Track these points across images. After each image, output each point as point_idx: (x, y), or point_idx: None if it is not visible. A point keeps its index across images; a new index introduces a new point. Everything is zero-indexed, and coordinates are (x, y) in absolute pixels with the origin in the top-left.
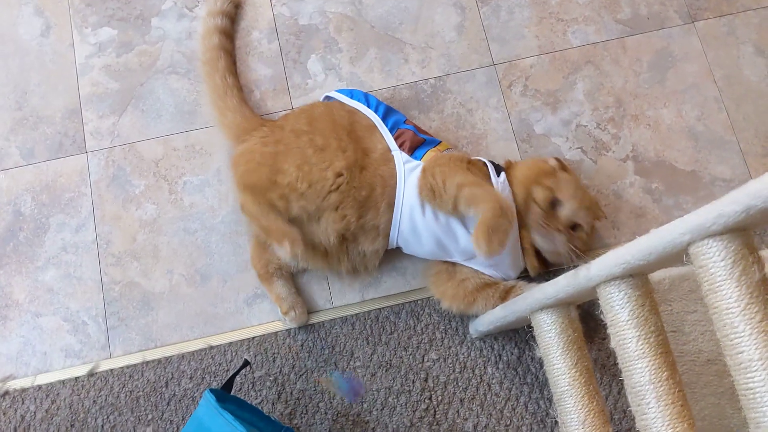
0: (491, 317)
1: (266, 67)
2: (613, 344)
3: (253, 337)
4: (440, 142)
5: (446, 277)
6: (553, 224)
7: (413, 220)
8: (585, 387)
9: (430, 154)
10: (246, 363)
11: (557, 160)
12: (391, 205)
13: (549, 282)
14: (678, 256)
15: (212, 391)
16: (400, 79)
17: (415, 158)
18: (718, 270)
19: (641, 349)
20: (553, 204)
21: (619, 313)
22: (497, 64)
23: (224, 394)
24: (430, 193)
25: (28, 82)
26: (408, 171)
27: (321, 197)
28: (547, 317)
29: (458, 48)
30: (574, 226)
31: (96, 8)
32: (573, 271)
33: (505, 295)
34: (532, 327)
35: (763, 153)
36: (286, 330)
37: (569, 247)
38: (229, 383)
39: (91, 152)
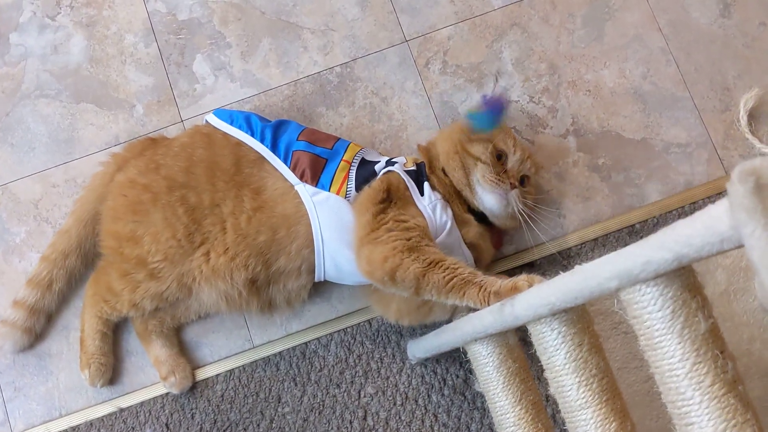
0: (426, 345)
1: (146, 75)
2: (552, 391)
3: (167, 393)
4: (345, 149)
5: (386, 295)
6: (505, 178)
7: (336, 260)
8: (533, 425)
9: (337, 183)
10: None
11: None
12: (305, 245)
13: (475, 315)
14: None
15: None
16: (300, 71)
17: (322, 186)
18: (654, 323)
19: (583, 398)
20: (499, 156)
21: (554, 356)
22: (410, 40)
23: None
24: (382, 285)
25: None
26: (318, 204)
27: (180, 267)
28: (482, 348)
29: (364, 26)
30: (521, 180)
31: None
32: (498, 305)
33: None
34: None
35: (721, 107)
36: (204, 380)
37: (523, 204)
38: None
39: None
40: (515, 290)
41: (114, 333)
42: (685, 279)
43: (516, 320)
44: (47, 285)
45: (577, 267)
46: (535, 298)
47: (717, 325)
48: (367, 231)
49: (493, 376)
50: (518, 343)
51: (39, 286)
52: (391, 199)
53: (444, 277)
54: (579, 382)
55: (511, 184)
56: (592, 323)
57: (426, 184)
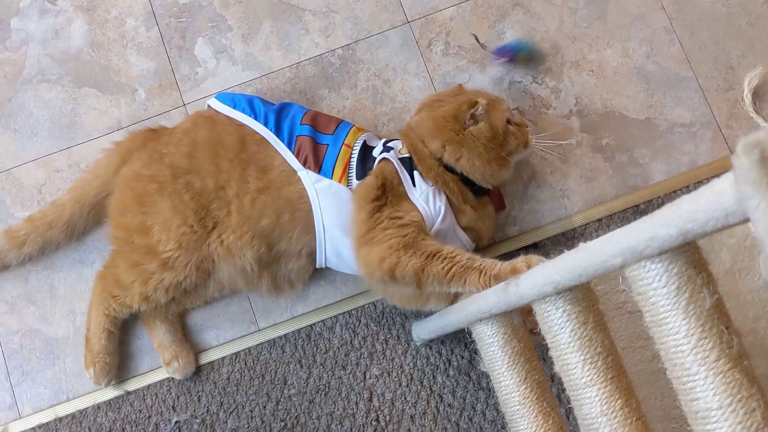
0: (431, 326)
1: (148, 59)
2: (557, 369)
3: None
4: (347, 133)
5: None
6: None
7: (337, 249)
8: (538, 404)
9: (339, 171)
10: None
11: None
12: (306, 231)
13: (480, 295)
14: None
15: None
16: (302, 54)
17: (324, 173)
18: (659, 299)
19: (588, 376)
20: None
21: (559, 334)
22: (412, 21)
23: None
24: (383, 284)
25: None
26: (321, 192)
27: (197, 253)
28: (487, 329)
29: (365, 7)
30: None
31: None
32: (503, 284)
33: (457, 295)
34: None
35: (726, 87)
36: (209, 363)
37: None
38: None
39: None
40: (515, 272)
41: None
42: (690, 255)
43: (520, 299)
44: (19, 244)
45: (581, 245)
46: (539, 277)
47: (722, 301)
48: (364, 231)
49: (498, 356)
50: (522, 323)
51: (11, 241)
52: (386, 195)
53: (443, 267)
54: (584, 360)
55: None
56: (596, 302)
57: (416, 174)
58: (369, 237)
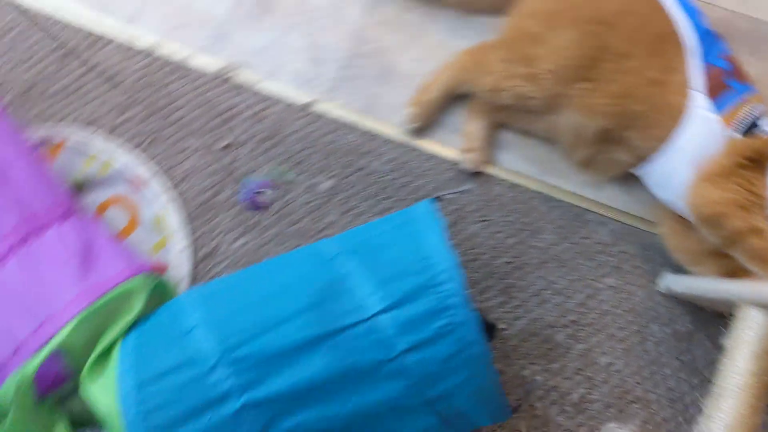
0: (691, 283)
1: None
2: None
3: (456, 165)
4: (752, 93)
5: (682, 225)
6: None
7: (670, 172)
8: (753, 399)
9: (728, 115)
10: (466, 191)
11: None
12: (659, 138)
13: None
14: None
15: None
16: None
17: (715, 107)
18: None
19: None
20: None
21: None
22: None
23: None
24: (698, 221)
25: None
26: (701, 119)
27: (560, 87)
28: (759, 316)
29: None
30: None
31: None
32: None
33: (737, 272)
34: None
35: None
36: (490, 176)
37: None
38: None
39: None
40: None
41: None
42: None
43: None
44: None
45: None
46: None
47: None
48: (716, 172)
49: (751, 341)
50: None
51: None
52: (758, 163)
53: (761, 246)
54: None
55: None
56: None
57: None
58: (716, 180)
